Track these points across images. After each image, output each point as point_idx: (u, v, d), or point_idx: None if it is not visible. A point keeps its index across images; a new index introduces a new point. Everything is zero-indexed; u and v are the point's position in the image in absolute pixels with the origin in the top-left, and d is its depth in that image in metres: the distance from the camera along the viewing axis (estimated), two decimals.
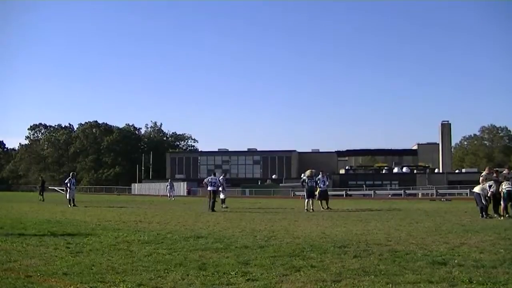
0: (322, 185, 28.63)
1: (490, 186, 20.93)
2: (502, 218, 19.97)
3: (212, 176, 29.39)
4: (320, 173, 29.38)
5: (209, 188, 28.41)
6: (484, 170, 23.47)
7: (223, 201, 31.14)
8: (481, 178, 22.09)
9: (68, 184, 33.81)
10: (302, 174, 29.14)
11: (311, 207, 26.88)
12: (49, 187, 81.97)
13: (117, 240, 13.07)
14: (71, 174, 34.96)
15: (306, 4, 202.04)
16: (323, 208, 27.71)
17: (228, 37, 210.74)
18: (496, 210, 20.97)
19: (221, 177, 31.39)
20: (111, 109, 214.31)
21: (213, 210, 26.89)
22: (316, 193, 28.47)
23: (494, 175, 21.95)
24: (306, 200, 27.40)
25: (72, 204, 32.01)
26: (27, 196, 52.40)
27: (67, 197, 33.70)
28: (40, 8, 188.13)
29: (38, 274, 8.51)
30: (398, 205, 33.66)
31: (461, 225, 17.16)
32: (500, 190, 20.80)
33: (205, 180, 29.59)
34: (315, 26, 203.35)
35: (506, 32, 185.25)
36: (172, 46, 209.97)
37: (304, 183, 28.10)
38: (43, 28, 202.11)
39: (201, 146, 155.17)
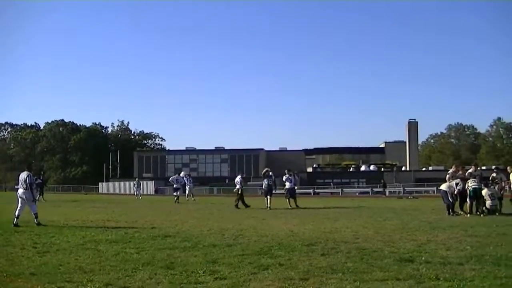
0: (289, 184, 28.77)
1: (457, 184, 21.14)
2: (468, 215, 20.15)
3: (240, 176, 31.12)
4: (286, 171, 29.56)
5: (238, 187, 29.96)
6: (451, 167, 23.69)
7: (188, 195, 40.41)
8: (447, 176, 22.30)
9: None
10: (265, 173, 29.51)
11: (268, 205, 27.29)
12: (15, 187, 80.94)
13: (84, 240, 12.98)
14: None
15: (275, 3, 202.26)
16: (290, 206, 27.72)
17: (194, 36, 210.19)
18: (462, 207, 21.18)
19: (184, 174, 36.41)
20: (77, 108, 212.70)
21: (237, 207, 28.45)
22: (283, 191, 28.89)
23: (460, 172, 22.16)
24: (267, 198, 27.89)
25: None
26: None
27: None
28: (5, 7, 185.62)
29: (5, 275, 8.43)
30: (366, 203, 33.85)
31: (428, 222, 17.30)
32: (466, 187, 20.99)
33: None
34: (281, 25, 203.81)
35: (471, 31, 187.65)
36: (136, 46, 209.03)
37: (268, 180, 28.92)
38: (7, 26, 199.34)
39: (169, 145, 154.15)
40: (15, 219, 16.93)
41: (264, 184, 28.48)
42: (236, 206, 28.47)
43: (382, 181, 60.34)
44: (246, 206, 28.35)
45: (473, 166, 22.55)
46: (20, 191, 17.54)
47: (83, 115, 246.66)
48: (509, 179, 22.72)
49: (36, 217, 17.20)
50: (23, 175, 17.66)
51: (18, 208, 17.33)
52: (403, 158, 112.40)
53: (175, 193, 38.38)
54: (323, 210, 26.15)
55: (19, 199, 17.55)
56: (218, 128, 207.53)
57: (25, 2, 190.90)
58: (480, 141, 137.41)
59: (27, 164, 19.14)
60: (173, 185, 40.30)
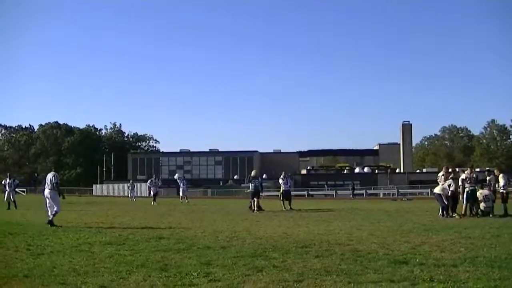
0: (285, 186, 28.82)
1: (449, 185, 21.14)
2: (462, 217, 20.18)
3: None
4: (283, 173, 29.58)
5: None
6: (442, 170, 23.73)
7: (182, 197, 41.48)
8: (442, 178, 22.30)
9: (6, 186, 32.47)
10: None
11: (254, 208, 26.88)
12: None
13: (78, 242, 12.92)
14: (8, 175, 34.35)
15: (270, 4, 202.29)
16: (285, 208, 27.72)
17: (188, 38, 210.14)
18: (455, 209, 21.18)
19: (178, 176, 38.74)
20: (71, 110, 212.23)
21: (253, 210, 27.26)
22: (279, 193, 28.78)
23: (452, 175, 22.13)
24: (251, 200, 27.52)
25: (7, 207, 30.78)
26: None
27: (5, 199, 32.34)
28: None
29: None
30: (360, 205, 33.85)
31: (422, 224, 17.30)
32: (459, 189, 20.98)
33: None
34: (275, 26, 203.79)
35: (466, 33, 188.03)
36: (131, 48, 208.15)
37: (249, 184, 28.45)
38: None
39: (163, 147, 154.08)
40: (52, 218, 17.60)
41: (250, 186, 28.15)
42: (251, 208, 27.42)
43: (351, 183, 64.21)
44: (254, 209, 27.10)
45: (468, 169, 22.60)
46: (46, 191, 18.17)
47: (77, 117, 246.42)
48: (498, 181, 22.75)
49: (54, 215, 17.61)
50: (50, 176, 18.59)
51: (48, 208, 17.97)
52: (397, 160, 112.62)
53: (151, 195, 42.02)
54: (317, 212, 26.12)
55: (46, 199, 18.16)
56: (212, 130, 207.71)
57: (18, 5, 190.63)
58: (474, 143, 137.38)
59: (53, 166, 20.31)
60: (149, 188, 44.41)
